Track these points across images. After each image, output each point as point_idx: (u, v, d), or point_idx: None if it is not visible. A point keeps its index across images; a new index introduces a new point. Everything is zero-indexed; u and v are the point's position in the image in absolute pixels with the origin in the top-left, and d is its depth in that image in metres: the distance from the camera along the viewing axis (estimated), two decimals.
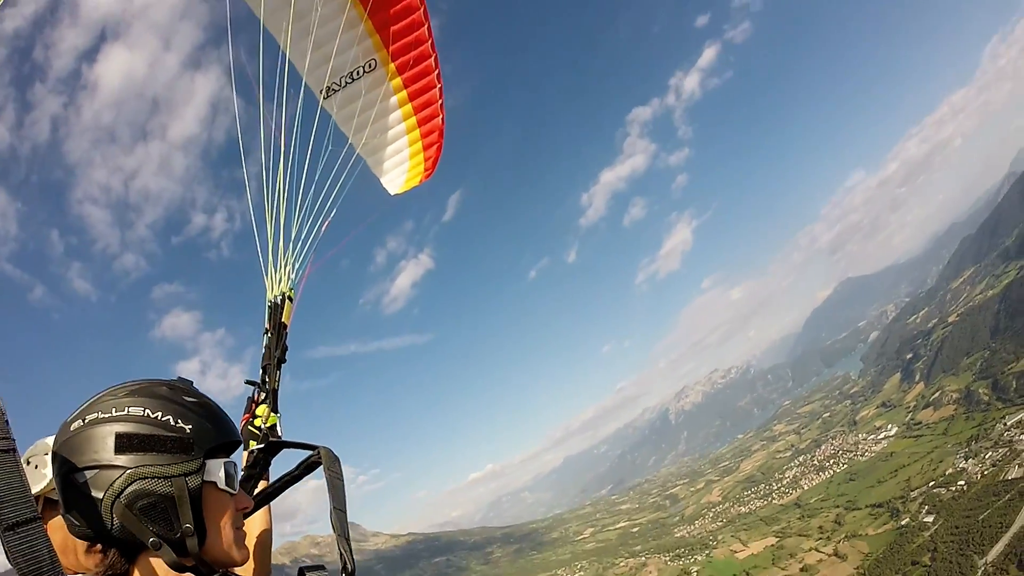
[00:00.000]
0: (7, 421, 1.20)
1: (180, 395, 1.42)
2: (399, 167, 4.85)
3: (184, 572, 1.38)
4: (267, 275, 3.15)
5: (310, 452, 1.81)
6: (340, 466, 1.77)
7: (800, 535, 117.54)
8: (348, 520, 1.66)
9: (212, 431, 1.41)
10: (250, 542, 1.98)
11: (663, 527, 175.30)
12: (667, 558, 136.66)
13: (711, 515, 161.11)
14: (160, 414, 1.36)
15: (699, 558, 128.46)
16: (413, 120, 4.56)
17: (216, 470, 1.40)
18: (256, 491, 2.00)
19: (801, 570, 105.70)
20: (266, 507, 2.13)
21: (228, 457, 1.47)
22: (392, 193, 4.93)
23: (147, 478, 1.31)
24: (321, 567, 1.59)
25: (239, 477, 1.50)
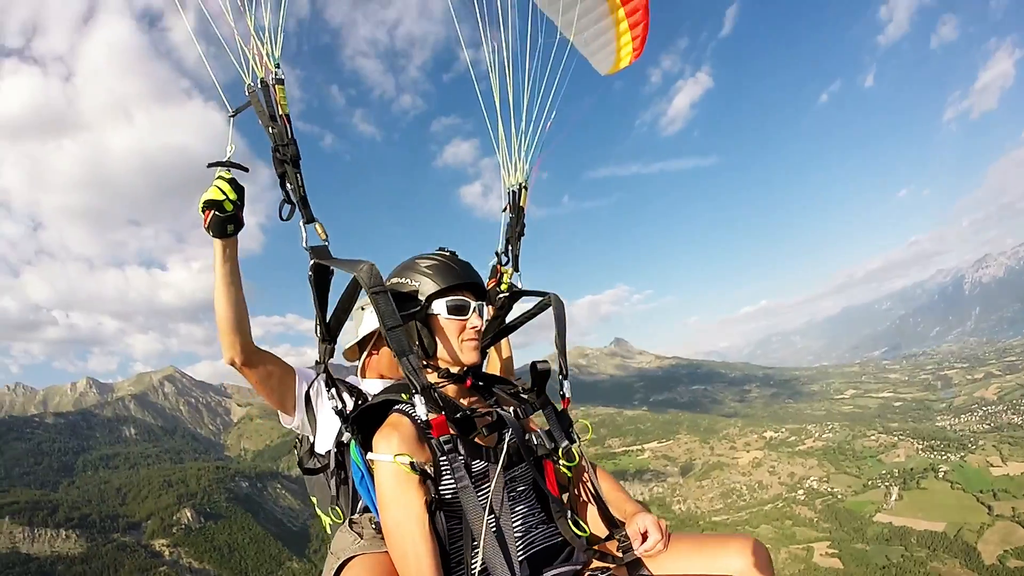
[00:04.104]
0: (379, 272, 1.91)
1: (421, 261, 2.11)
2: (606, 48, 4.74)
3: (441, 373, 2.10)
4: (503, 167, 3.46)
5: (542, 297, 2.42)
6: (564, 309, 2.31)
7: None
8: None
9: (432, 283, 2.03)
10: (494, 363, 3.13)
11: (926, 411, 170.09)
12: (920, 446, 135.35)
13: (980, 414, 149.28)
14: (399, 278, 2.10)
15: (951, 458, 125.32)
16: (616, 1, 4.44)
17: (440, 307, 2.04)
18: (502, 326, 2.73)
19: None
20: (507, 338, 3.00)
21: (461, 296, 2.08)
22: (603, 74, 4.90)
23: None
24: (545, 362, 2.22)
25: (474, 307, 2.10)
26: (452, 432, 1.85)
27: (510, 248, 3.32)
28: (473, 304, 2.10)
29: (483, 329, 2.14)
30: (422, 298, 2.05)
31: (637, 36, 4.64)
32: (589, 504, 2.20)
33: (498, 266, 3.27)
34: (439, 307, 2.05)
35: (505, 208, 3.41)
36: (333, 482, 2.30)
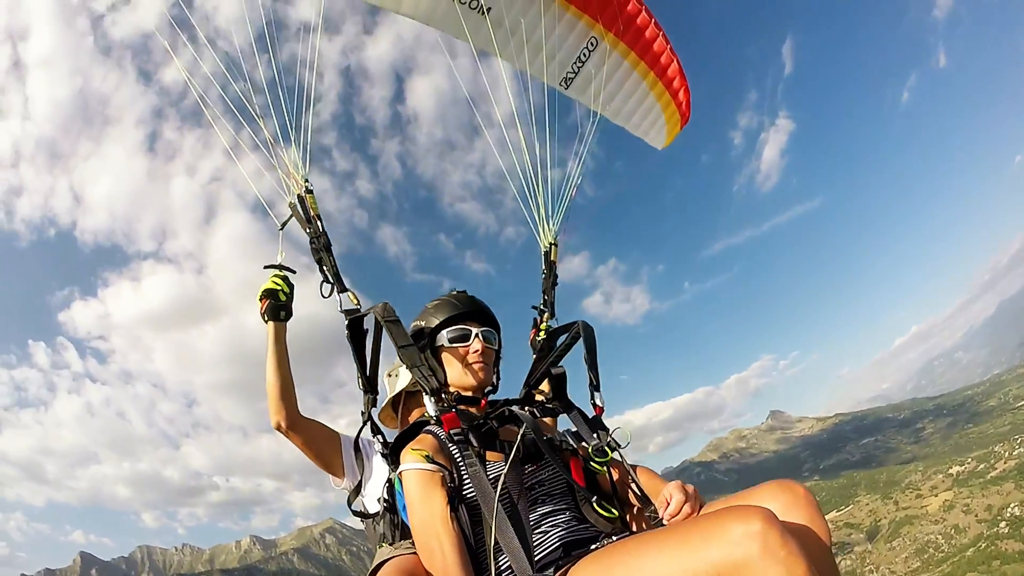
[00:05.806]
0: (397, 319, 2.25)
1: (430, 303, 2.41)
2: (656, 123, 4.93)
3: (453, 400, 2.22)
4: (536, 232, 3.92)
5: (571, 327, 2.51)
6: (593, 332, 2.44)
7: None
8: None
9: (435, 318, 2.30)
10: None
11: None
12: None
13: None
14: (416, 321, 2.37)
15: None
16: (652, 76, 4.60)
17: (443, 338, 2.28)
18: (544, 364, 2.66)
19: None
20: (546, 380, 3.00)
21: (461, 325, 2.31)
22: (659, 147, 5.11)
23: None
24: (560, 367, 2.48)
25: (476, 333, 2.30)
26: (463, 426, 1.98)
27: (546, 298, 3.89)
28: (475, 331, 2.31)
29: (483, 350, 2.30)
30: (428, 332, 2.32)
31: (681, 102, 4.92)
32: (631, 499, 2.22)
33: (537, 318, 3.85)
34: (442, 338, 2.29)
35: (543, 271, 3.95)
36: (384, 523, 2.38)
